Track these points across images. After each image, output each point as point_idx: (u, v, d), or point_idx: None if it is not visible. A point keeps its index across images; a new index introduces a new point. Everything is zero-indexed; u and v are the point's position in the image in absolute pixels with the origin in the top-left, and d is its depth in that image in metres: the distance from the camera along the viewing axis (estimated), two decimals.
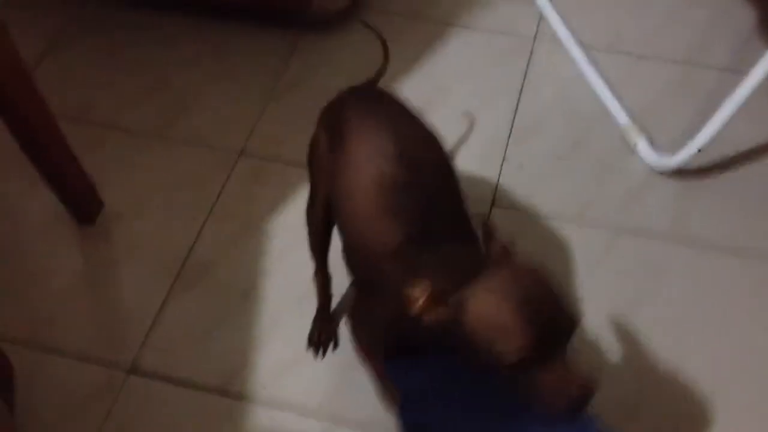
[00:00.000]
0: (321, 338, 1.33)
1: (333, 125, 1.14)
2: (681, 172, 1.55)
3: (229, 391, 1.30)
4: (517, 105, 1.69)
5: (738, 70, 1.71)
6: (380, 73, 1.33)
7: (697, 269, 1.44)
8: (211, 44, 1.82)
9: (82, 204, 1.49)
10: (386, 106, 1.15)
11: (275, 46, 1.82)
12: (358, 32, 1.83)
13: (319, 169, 1.17)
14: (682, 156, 1.48)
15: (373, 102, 1.16)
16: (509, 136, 1.63)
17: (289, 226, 1.51)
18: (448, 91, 1.72)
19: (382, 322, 1.03)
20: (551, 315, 0.85)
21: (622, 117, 1.62)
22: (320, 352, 1.33)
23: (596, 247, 1.45)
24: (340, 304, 1.39)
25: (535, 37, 1.82)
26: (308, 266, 1.41)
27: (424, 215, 1.00)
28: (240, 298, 1.42)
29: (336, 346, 1.34)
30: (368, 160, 1.04)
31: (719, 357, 1.33)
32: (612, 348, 1.33)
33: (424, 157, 1.07)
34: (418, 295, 0.87)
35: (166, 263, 1.46)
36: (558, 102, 1.70)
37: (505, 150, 1.61)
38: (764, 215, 1.52)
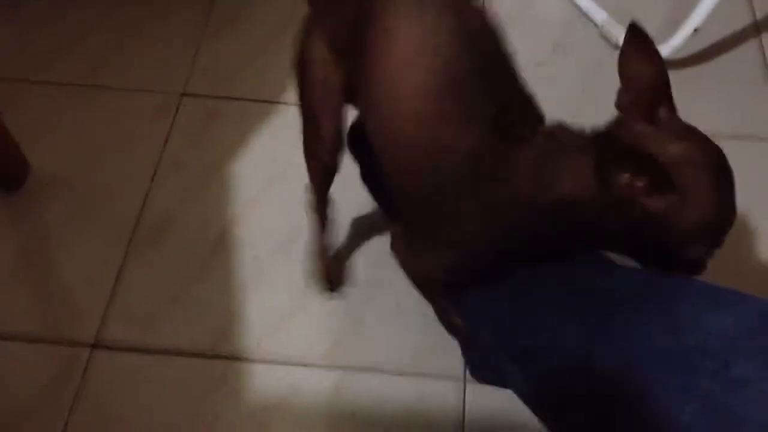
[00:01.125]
0: (329, 277, 1.15)
1: (337, 17, 0.88)
2: (671, 64, 1.44)
3: (220, 352, 1.11)
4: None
5: None
6: None
7: None
8: None
9: (5, 168, 1.26)
10: None
11: None
12: None
13: (320, 85, 0.91)
14: (678, 39, 1.36)
15: None
16: None
17: (252, 168, 1.31)
18: None
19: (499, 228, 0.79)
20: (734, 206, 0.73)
21: (599, 14, 1.49)
22: (333, 288, 1.15)
23: None
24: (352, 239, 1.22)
25: None
26: (284, 209, 1.24)
27: (499, 104, 0.78)
28: (211, 251, 1.22)
29: (341, 285, 1.17)
30: (420, 42, 0.79)
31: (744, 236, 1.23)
32: None
33: (479, 29, 0.83)
34: (631, 179, 0.67)
35: (116, 223, 1.24)
36: (527, 7, 1.57)
37: None
38: (757, 97, 1.42)
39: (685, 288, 0.76)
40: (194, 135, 1.36)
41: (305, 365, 1.10)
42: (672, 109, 0.75)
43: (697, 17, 1.34)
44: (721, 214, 0.72)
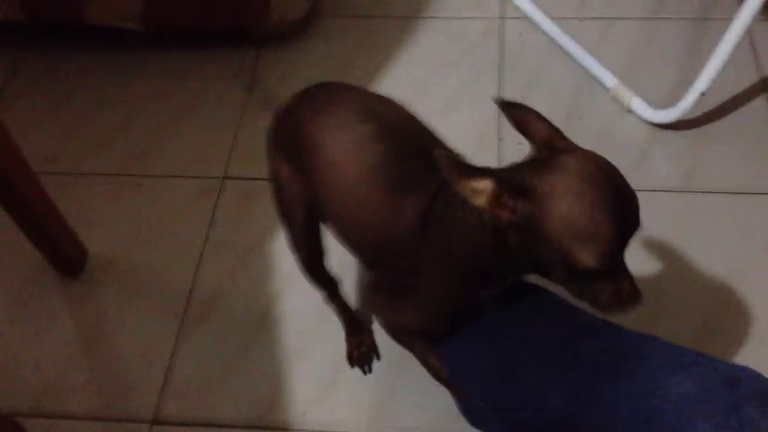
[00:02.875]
0: (361, 354, 1.24)
1: (287, 142, 1.02)
2: (681, 124, 1.51)
3: (268, 423, 1.20)
4: (500, 84, 1.64)
5: (707, 18, 1.72)
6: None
7: (719, 215, 1.40)
8: (171, 75, 1.72)
9: (66, 255, 1.37)
10: (331, 93, 1.01)
11: (237, 67, 1.73)
12: (319, 38, 1.77)
13: (290, 198, 1.05)
14: (686, 103, 1.44)
15: (318, 95, 1.03)
16: (499, 116, 1.57)
17: None
18: (428, 83, 1.66)
19: (447, 277, 0.90)
20: (628, 210, 0.77)
21: (608, 79, 1.58)
22: (367, 365, 1.24)
23: None
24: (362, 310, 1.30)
25: (501, 16, 1.78)
26: None
27: (432, 170, 0.87)
28: (256, 326, 1.31)
29: (378, 357, 1.25)
30: (345, 147, 0.94)
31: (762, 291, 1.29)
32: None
33: (391, 116, 0.97)
34: (483, 188, 0.76)
35: (168, 303, 1.35)
36: (540, 76, 1.65)
37: (498, 130, 1.55)
38: (766, 153, 1.49)
39: (652, 350, 0.84)
40: (235, 215, 1.46)
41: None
42: (564, 139, 0.83)
43: (703, 82, 1.41)
44: (593, 215, 0.74)
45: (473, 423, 1.08)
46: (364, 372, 1.24)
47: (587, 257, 0.75)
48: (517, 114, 0.84)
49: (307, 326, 1.30)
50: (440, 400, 1.17)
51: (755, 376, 0.79)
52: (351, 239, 0.99)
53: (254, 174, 1.52)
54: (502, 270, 0.87)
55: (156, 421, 1.21)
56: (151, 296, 1.36)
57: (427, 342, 1.02)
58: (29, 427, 1.17)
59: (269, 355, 1.27)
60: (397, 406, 1.20)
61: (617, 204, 0.75)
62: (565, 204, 0.74)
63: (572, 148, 0.80)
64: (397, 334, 1.07)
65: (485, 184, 0.76)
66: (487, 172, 0.76)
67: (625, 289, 0.79)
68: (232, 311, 1.33)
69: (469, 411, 1.05)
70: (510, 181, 0.76)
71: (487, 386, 0.94)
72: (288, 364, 1.26)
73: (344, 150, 0.94)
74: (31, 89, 1.71)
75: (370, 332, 1.27)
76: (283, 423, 1.19)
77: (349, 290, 1.28)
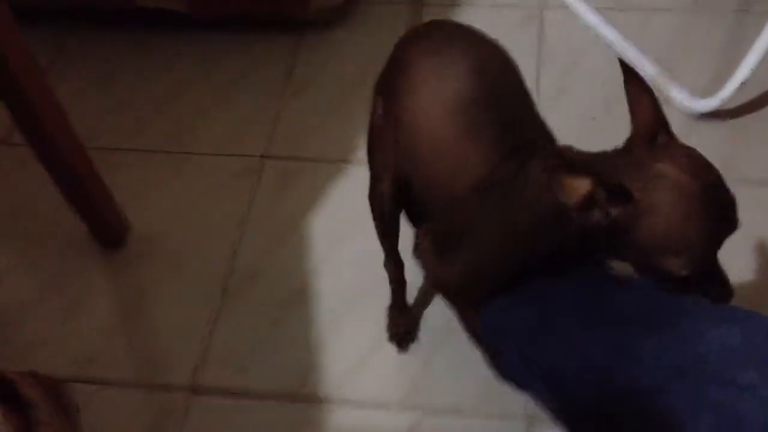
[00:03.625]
0: (402, 330, 1.25)
1: (388, 77, 1.03)
2: (720, 114, 1.51)
3: (302, 395, 1.22)
4: (538, 74, 1.64)
5: (747, 10, 1.71)
6: None
7: (758, 207, 1.39)
8: (214, 57, 1.74)
9: (110, 227, 1.40)
10: (453, 34, 1.01)
11: (278, 50, 1.75)
12: (359, 24, 1.79)
13: (378, 140, 1.06)
14: (726, 92, 1.44)
15: (430, 35, 1.02)
16: (539, 107, 1.58)
17: (329, 224, 1.43)
18: None
19: (502, 243, 0.90)
20: (725, 218, 0.77)
21: (648, 68, 1.58)
22: (404, 344, 1.25)
23: None
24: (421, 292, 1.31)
25: (541, 5, 1.78)
26: (359, 261, 1.36)
27: (512, 130, 0.90)
28: (293, 302, 1.34)
29: (415, 338, 1.26)
30: (439, 81, 0.93)
31: None
32: None
33: (495, 70, 0.96)
34: (579, 186, 0.74)
35: (208, 278, 1.37)
36: (579, 65, 1.66)
37: None
38: None
39: (696, 307, 0.84)
40: (274, 195, 1.49)
41: (382, 408, 1.20)
42: (669, 134, 0.84)
43: (743, 72, 1.41)
44: (686, 231, 0.74)
45: (505, 377, 1.07)
46: (400, 349, 1.25)
47: (677, 268, 0.76)
48: (635, 86, 0.84)
49: (341, 304, 1.32)
50: (475, 378, 1.18)
51: None
52: (422, 179, 0.99)
53: (294, 154, 1.54)
54: (570, 258, 0.87)
55: (194, 390, 1.24)
56: (191, 270, 1.39)
57: (474, 306, 1.03)
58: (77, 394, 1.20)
59: (304, 331, 1.30)
60: (430, 383, 1.22)
61: (713, 214, 0.76)
62: (660, 218, 0.74)
63: (672, 148, 0.80)
64: (445, 291, 1.09)
65: (584, 184, 0.74)
66: (588, 169, 0.75)
67: (714, 290, 0.79)
68: (269, 287, 1.36)
69: (501, 366, 1.06)
70: (609, 182, 0.74)
71: (525, 341, 0.94)
72: (323, 340, 1.28)
73: (438, 95, 0.94)
74: (76, 67, 1.75)
75: (415, 310, 1.28)
76: (317, 396, 1.22)
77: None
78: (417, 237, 1.07)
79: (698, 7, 1.75)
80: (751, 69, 1.40)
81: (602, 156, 0.82)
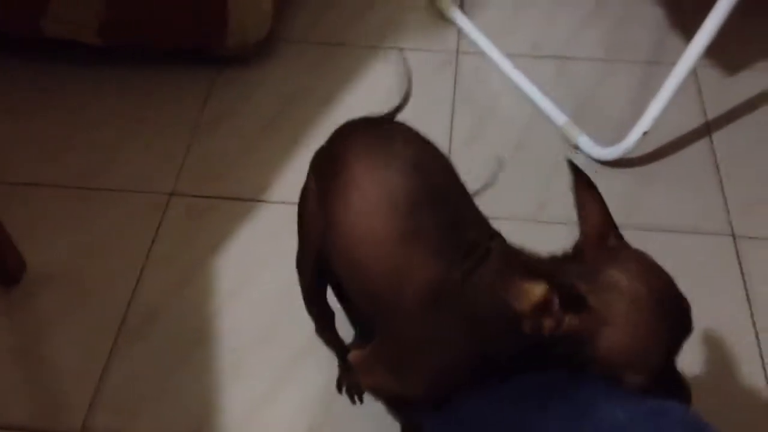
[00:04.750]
0: (352, 383, 1.21)
1: (324, 166, 0.99)
2: (625, 162, 1.55)
3: None
4: (452, 117, 1.66)
5: (658, 62, 1.76)
6: (398, 108, 1.11)
7: (659, 252, 1.42)
8: (127, 95, 1.71)
9: (4, 266, 1.35)
10: (395, 132, 0.97)
11: (193, 85, 1.73)
12: (276, 62, 1.79)
13: (309, 222, 1.02)
14: (629, 142, 1.47)
15: (379, 128, 1.00)
16: (449, 149, 1.59)
17: (235, 263, 1.41)
18: (382, 112, 1.67)
19: (457, 351, 0.84)
20: (681, 326, 0.75)
21: (558, 117, 1.61)
22: (356, 397, 1.21)
23: (558, 242, 1.41)
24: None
25: (457, 50, 1.81)
26: (262, 302, 1.33)
27: (456, 231, 0.85)
28: (193, 344, 1.30)
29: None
30: (376, 184, 0.88)
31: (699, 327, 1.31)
32: None
33: (434, 169, 0.92)
34: (533, 291, 0.71)
35: (105, 318, 1.33)
36: (492, 111, 1.68)
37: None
38: (706, 194, 1.52)
39: (591, 383, 0.83)
40: (180, 232, 1.46)
41: None
42: (619, 236, 0.82)
43: (645, 121, 1.45)
44: (646, 346, 0.73)
45: None
46: (353, 402, 1.21)
47: (635, 378, 0.75)
48: (584, 189, 0.82)
49: (243, 344, 1.29)
50: (373, 423, 1.17)
51: (682, 409, 0.80)
52: (360, 285, 0.94)
53: (202, 192, 1.52)
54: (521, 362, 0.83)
55: None
56: (89, 309, 1.34)
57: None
58: None
59: (204, 372, 1.26)
60: (329, 427, 1.20)
61: (670, 324, 0.74)
62: (616, 333, 0.73)
63: (622, 252, 0.79)
64: (389, 400, 1.05)
65: (538, 289, 0.71)
66: (543, 273, 0.72)
67: (674, 394, 0.78)
68: (169, 327, 1.32)
69: None
70: (564, 288, 0.72)
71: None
72: (222, 382, 1.25)
73: (375, 198, 0.89)
74: None
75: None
76: None
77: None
78: (358, 351, 1.02)
79: (612, 57, 1.81)
80: (653, 119, 1.44)
81: (553, 260, 0.80)
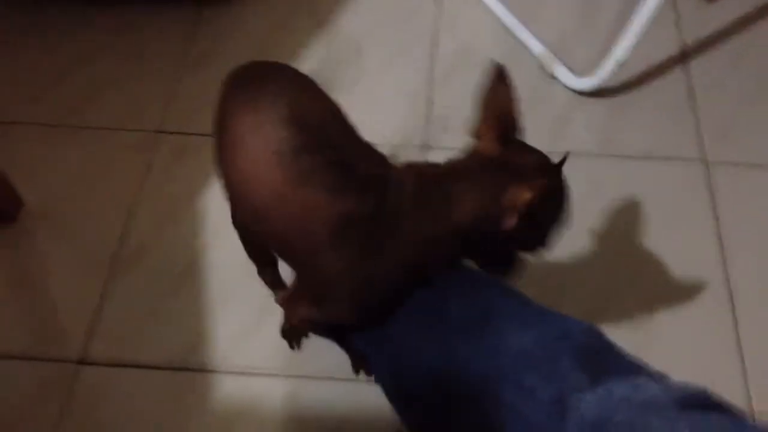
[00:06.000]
0: (292, 329, 1.27)
1: (215, 123, 1.02)
2: (603, 92, 1.58)
3: (188, 365, 1.26)
4: (432, 51, 1.68)
5: None
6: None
7: (632, 179, 1.47)
8: (113, 29, 1.74)
9: (1, 203, 1.40)
10: (268, 79, 0.98)
11: (179, 20, 1.75)
12: None
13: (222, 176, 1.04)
14: (604, 72, 1.50)
15: (248, 83, 0.99)
16: (432, 83, 1.62)
17: (221, 199, 1.45)
18: (363, 46, 1.70)
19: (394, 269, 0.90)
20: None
21: (536, 47, 1.63)
22: (294, 344, 1.28)
23: None
24: None
25: None
26: None
27: (351, 164, 0.90)
28: (182, 275, 1.36)
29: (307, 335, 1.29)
30: (257, 136, 0.91)
31: (663, 254, 1.37)
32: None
33: (313, 108, 0.94)
34: (522, 197, 0.84)
35: (99, 252, 1.39)
36: (473, 43, 1.71)
37: (432, 96, 1.60)
38: (682, 121, 1.56)
39: (504, 308, 0.91)
40: (168, 170, 1.50)
41: (265, 375, 1.25)
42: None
43: (620, 51, 1.47)
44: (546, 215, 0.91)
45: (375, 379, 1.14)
46: (292, 347, 1.28)
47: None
48: (499, 77, 0.96)
49: (231, 277, 1.35)
50: None
51: (587, 330, 0.87)
52: (269, 235, 0.98)
53: (189, 129, 1.56)
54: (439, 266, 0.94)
55: (82, 361, 1.26)
56: (83, 244, 1.40)
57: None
58: None
59: (194, 303, 1.33)
60: (315, 353, 1.27)
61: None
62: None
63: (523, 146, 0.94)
64: (321, 332, 1.12)
65: (527, 193, 0.85)
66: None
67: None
68: (160, 261, 1.38)
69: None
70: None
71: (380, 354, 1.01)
72: (211, 311, 1.32)
73: (260, 150, 0.91)
74: None
75: None
76: (204, 365, 1.25)
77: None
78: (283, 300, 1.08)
79: None
80: (627, 48, 1.46)
81: (456, 163, 0.92)
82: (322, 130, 0.91)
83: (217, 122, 1.00)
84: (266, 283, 1.26)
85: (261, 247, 1.16)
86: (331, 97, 0.99)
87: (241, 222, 1.09)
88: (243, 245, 1.17)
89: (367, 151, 0.96)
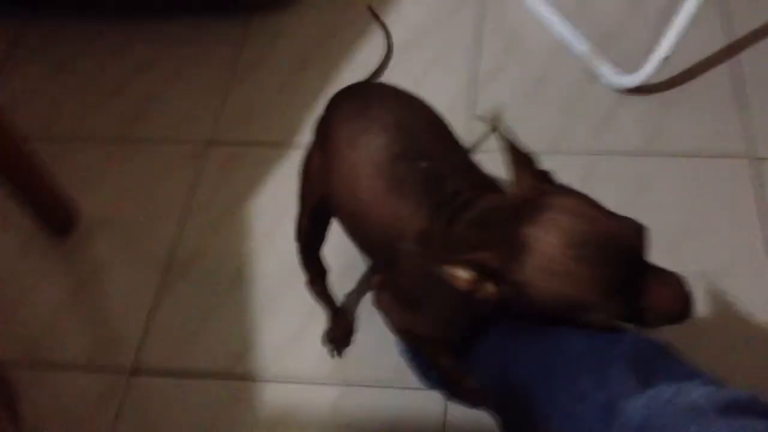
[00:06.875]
0: (335, 336, 1.30)
1: (320, 133, 1.05)
2: (647, 88, 1.55)
3: (235, 373, 1.29)
4: (478, 50, 1.68)
5: None
6: (381, 68, 1.20)
7: (679, 177, 1.45)
8: (163, 43, 1.79)
9: (57, 217, 1.47)
10: (372, 96, 1.02)
11: (227, 32, 1.79)
12: (307, 7, 1.82)
13: (310, 181, 1.08)
14: (649, 68, 1.48)
15: (359, 95, 1.04)
16: (477, 85, 1.63)
17: (269, 206, 1.49)
18: (407, 50, 1.70)
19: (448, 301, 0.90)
20: (616, 242, 0.77)
21: (580, 45, 1.62)
22: (335, 351, 1.30)
23: (577, 172, 1.43)
24: (351, 296, 1.36)
25: None
26: (293, 243, 1.41)
27: (436, 183, 0.90)
28: (231, 283, 1.40)
29: (350, 342, 1.32)
30: (361, 145, 0.94)
31: (714, 252, 1.35)
32: None
33: (418, 124, 0.96)
34: (463, 276, 0.79)
35: (151, 262, 1.44)
36: (517, 41, 1.70)
37: (476, 97, 1.60)
38: (729, 117, 1.52)
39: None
40: (218, 179, 1.55)
41: (310, 383, 1.28)
42: (550, 182, 0.88)
43: (664, 47, 1.45)
44: (577, 289, 0.76)
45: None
46: (332, 355, 1.30)
47: (597, 318, 0.78)
48: (512, 149, 0.87)
49: (276, 285, 1.39)
50: (391, 354, 1.23)
51: (637, 339, 0.86)
52: (360, 236, 1.01)
53: (239, 138, 1.60)
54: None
55: (135, 370, 1.31)
56: (136, 255, 1.45)
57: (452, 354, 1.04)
58: (19, 377, 1.28)
59: (241, 311, 1.36)
60: (360, 359, 1.29)
61: (594, 261, 0.76)
62: (544, 286, 0.77)
63: (547, 200, 0.80)
64: (405, 334, 1.09)
65: (465, 275, 0.79)
66: (468, 259, 0.79)
67: (666, 282, 0.81)
68: (209, 269, 1.42)
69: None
70: (479, 269, 0.78)
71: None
72: (258, 319, 1.35)
73: (363, 155, 0.94)
74: (31, 59, 1.80)
75: (351, 318, 1.34)
76: (250, 374, 1.29)
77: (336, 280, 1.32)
78: (374, 286, 1.08)
79: None
80: (672, 45, 1.43)
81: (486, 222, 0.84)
82: (422, 144, 0.93)
83: (320, 131, 1.04)
84: (315, 293, 1.28)
85: (317, 258, 1.21)
86: (436, 111, 1.01)
87: (342, 223, 1.06)
88: (301, 256, 1.20)
89: (466, 168, 0.95)
